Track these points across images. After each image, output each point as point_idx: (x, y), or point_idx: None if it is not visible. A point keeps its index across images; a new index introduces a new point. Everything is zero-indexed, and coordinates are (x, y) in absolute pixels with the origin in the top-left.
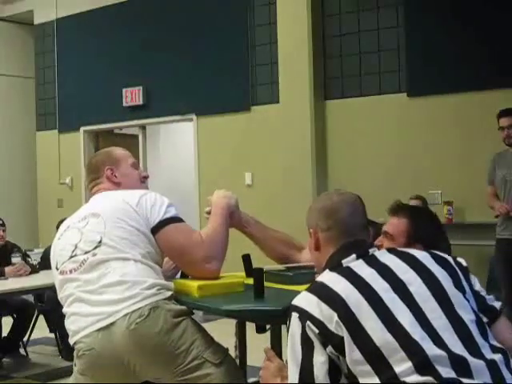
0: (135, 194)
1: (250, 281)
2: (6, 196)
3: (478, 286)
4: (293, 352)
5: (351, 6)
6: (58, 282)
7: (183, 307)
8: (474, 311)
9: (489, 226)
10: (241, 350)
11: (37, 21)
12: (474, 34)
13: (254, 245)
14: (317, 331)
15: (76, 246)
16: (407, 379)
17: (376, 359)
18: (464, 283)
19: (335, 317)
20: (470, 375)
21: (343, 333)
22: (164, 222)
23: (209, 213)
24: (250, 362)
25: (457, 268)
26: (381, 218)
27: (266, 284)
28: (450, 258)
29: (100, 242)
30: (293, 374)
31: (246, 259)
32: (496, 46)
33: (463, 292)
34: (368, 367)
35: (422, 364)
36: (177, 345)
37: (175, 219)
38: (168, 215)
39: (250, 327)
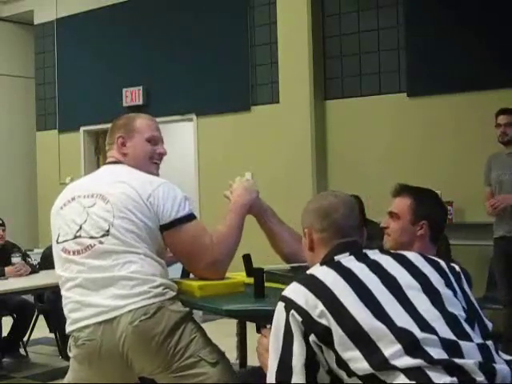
0: (147, 184)
1: (251, 281)
2: (6, 196)
3: (472, 296)
4: (275, 341)
5: (351, 6)
6: (60, 258)
7: (186, 309)
8: (464, 310)
9: (489, 226)
10: (241, 350)
11: (37, 21)
12: (474, 34)
13: (254, 244)
14: (300, 319)
15: (81, 227)
16: (397, 363)
17: (365, 344)
18: (455, 285)
19: (320, 305)
20: (461, 356)
21: (329, 322)
22: (175, 223)
23: (227, 197)
24: (250, 361)
25: (448, 271)
26: (380, 217)
27: (267, 284)
28: (442, 262)
29: (108, 231)
30: (272, 362)
31: (247, 259)
32: (496, 45)
33: (454, 292)
34: (357, 352)
35: (412, 346)
36: (176, 344)
37: (188, 218)
38: (180, 214)
39: (251, 327)
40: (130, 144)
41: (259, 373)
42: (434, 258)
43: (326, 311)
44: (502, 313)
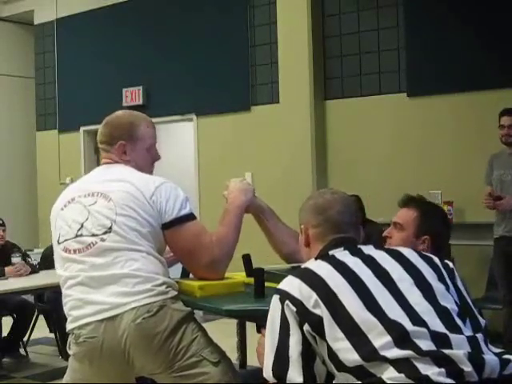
0: (150, 183)
1: (251, 281)
2: (6, 196)
3: (465, 293)
4: (271, 333)
5: (351, 6)
6: (60, 258)
7: (188, 308)
8: (456, 304)
9: (489, 226)
10: (241, 350)
11: (37, 21)
12: (474, 34)
13: (254, 244)
14: (294, 309)
15: (82, 226)
16: (387, 354)
17: (355, 335)
18: (447, 280)
19: (314, 295)
20: (450, 348)
21: (322, 312)
22: (177, 221)
23: (225, 197)
24: (250, 362)
25: (441, 267)
26: (380, 217)
27: (267, 284)
28: (436, 258)
29: (110, 228)
30: (268, 354)
31: (247, 259)
32: (496, 45)
33: (447, 287)
34: (347, 343)
35: (401, 338)
36: (178, 343)
37: (189, 217)
38: (182, 213)
39: (251, 327)
40: (132, 152)
41: (259, 374)
42: (427, 254)
43: (320, 301)
44: (501, 313)
